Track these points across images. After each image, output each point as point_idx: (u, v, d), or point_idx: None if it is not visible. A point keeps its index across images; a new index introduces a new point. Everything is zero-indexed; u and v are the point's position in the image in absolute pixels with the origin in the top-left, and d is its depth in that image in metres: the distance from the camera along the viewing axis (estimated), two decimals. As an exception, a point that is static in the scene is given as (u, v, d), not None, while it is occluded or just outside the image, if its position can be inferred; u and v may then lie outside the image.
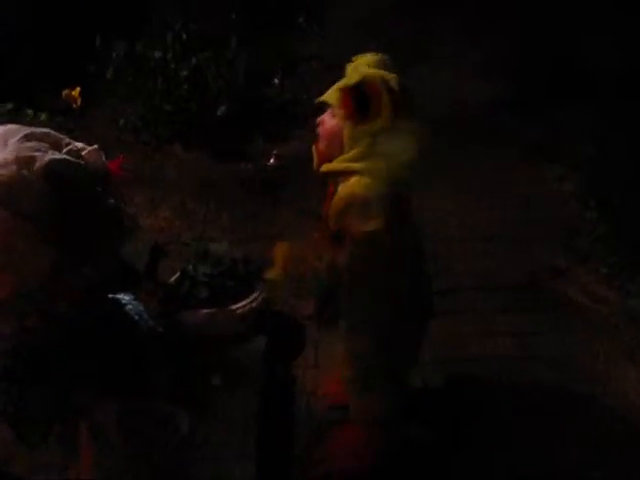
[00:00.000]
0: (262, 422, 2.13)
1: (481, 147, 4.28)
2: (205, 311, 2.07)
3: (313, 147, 1.99)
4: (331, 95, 1.90)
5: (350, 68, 1.95)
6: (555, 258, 3.20)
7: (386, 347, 1.98)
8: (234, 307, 2.26)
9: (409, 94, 1.89)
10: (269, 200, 3.78)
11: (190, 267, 2.57)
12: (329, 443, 2.29)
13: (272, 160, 4.05)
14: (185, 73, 4.19)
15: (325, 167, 1.93)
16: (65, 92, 2.55)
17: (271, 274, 1.97)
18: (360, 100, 1.81)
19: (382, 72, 1.86)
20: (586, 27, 4.86)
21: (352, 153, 1.84)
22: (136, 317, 1.36)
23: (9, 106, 2.21)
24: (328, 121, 1.91)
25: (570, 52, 4.77)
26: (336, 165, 1.89)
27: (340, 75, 1.93)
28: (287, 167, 3.93)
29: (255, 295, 2.39)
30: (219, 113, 4.18)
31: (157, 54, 4.20)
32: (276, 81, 4.42)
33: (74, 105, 2.50)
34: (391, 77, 1.84)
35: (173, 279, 2.30)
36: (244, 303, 2.28)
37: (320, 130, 1.95)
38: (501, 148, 4.23)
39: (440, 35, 5.76)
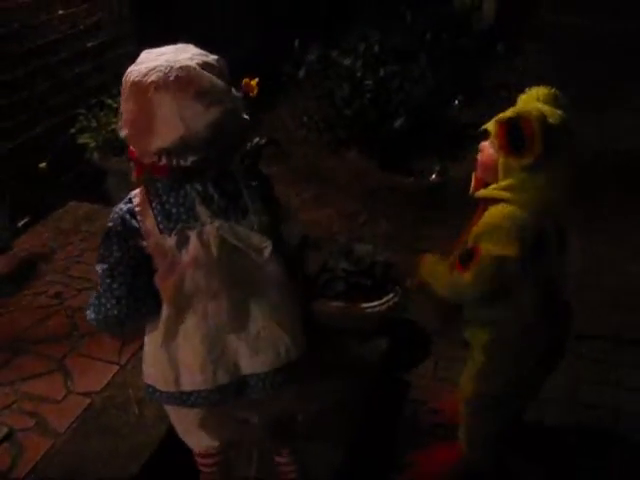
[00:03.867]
0: (366, 415, 2.23)
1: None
2: (337, 304, 2.21)
3: (473, 173, 2.05)
4: (491, 124, 1.93)
5: (520, 99, 1.98)
6: None
7: (513, 376, 2.02)
8: (365, 305, 2.41)
9: (571, 132, 1.87)
10: (427, 215, 3.89)
11: (332, 261, 2.77)
12: (424, 452, 2.33)
13: (434, 176, 4.16)
14: (369, 83, 4.40)
15: (479, 193, 2.00)
16: (245, 80, 2.82)
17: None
18: (513, 134, 1.82)
19: (541, 107, 1.85)
20: None
21: (504, 183, 1.89)
22: None
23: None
24: (487, 149, 1.96)
25: None
26: (488, 192, 1.95)
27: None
28: (446, 186, 4.02)
29: (388, 298, 2.52)
30: (396, 125, 4.34)
31: (347, 61, 4.44)
32: (456, 102, 4.49)
33: (251, 94, 2.79)
34: (552, 113, 1.84)
35: (315, 270, 2.50)
36: (375, 303, 2.42)
37: (479, 157, 2.01)
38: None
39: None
